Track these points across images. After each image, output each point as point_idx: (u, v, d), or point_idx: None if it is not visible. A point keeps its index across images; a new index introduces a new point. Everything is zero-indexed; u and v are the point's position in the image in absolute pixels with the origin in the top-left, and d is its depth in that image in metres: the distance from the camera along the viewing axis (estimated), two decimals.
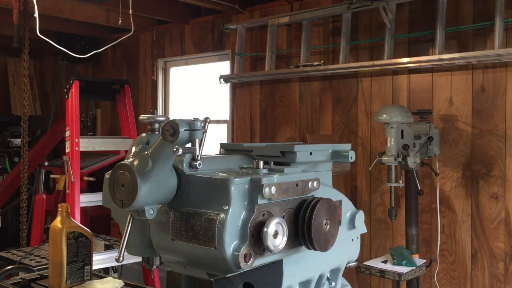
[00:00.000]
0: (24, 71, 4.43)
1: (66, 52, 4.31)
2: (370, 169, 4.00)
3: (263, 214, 1.33)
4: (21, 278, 1.90)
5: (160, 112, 5.75)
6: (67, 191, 3.71)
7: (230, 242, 1.27)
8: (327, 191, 1.62)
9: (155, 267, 1.57)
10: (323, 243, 1.45)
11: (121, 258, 1.37)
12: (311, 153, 1.64)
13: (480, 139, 3.59)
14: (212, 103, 5.44)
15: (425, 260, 3.48)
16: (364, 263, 3.40)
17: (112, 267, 3.97)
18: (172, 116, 5.61)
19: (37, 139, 6.13)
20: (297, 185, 1.41)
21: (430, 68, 3.75)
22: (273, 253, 1.34)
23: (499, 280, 3.52)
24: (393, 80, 4.01)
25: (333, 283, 1.71)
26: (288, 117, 4.64)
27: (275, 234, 1.32)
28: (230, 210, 1.28)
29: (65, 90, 3.98)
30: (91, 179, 4.44)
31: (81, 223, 2.07)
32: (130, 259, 2.81)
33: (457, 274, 3.70)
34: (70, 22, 5.42)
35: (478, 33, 3.58)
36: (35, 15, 3.68)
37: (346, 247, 1.73)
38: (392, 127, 3.27)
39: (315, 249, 1.42)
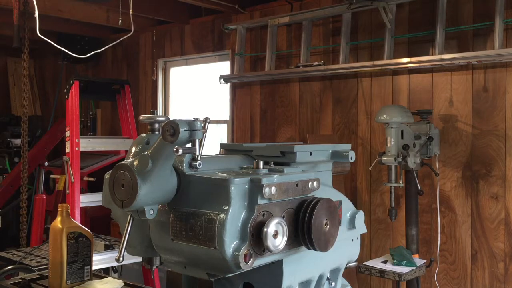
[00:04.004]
0: (24, 71, 4.43)
1: (66, 52, 4.31)
2: (370, 169, 4.00)
3: (263, 214, 1.33)
4: (21, 278, 1.90)
5: (160, 112, 5.75)
6: (67, 191, 3.71)
7: (230, 242, 1.27)
8: (327, 191, 1.62)
9: (155, 267, 1.56)
10: (323, 243, 1.45)
11: (121, 258, 1.37)
12: (311, 153, 1.64)
13: (480, 139, 3.59)
14: (212, 103, 5.44)
15: (425, 260, 3.48)
16: (364, 263, 3.40)
17: (112, 267, 3.97)
18: (172, 116, 5.61)
19: (37, 139, 6.12)
20: (297, 185, 1.41)
21: (430, 68, 3.75)
22: (273, 253, 1.34)
23: (499, 280, 3.52)
24: (393, 80, 4.01)
25: (333, 283, 1.71)
26: (288, 117, 4.64)
27: (275, 234, 1.32)
28: (230, 210, 1.28)
29: (65, 90, 3.98)
30: (91, 179, 4.44)
31: (81, 223, 2.07)
32: (130, 259, 2.81)
33: (457, 274, 3.70)
34: (70, 22, 5.42)
35: (478, 33, 3.58)
36: (35, 15, 3.68)
37: (346, 247, 1.73)
38: (392, 127, 3.27)
39: (315, 249, 1.42)
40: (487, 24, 3.49)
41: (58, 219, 1.79)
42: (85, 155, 4.30)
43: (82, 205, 3.80)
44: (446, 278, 3.75)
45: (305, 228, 1.40)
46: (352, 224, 1.74)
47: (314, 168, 1.65)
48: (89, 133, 6.32)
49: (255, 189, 1.31)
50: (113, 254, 3.71)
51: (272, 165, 1.50)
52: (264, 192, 1.30)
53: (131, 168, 1.29)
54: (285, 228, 1.34)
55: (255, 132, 4.89)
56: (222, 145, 1.76)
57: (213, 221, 1.28)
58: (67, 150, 3.82)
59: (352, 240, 1.77)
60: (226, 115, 5.18)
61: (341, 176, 4.05)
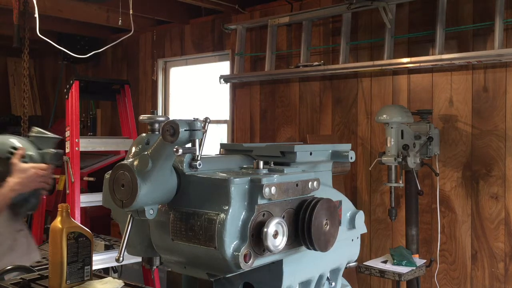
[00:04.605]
0: (24, 71, 4.44)
1: (66, 52, 4.31)
2: (370, 169, 4.00)
3: (263, 214, 1.33)
4: (21, 278, 1.90)
5: (160, 112, 5.76)
6: (67, 191, 3.71)
7: (230, 242, 1.27)
8: (327, 191, 1.62)
9: (155, 267, 1.56)
10: (323, 243, 1.44)
11: (121, 258, 1.37)
12: (311, 153, 1.64)
13: (480, 139, 3.59)
14: (212, 103, 5.44)
15: (425, 260, 3.48)
16: (364, 263, 3.40)
17: (112, 267, 3.97)
18: (172, 116, 5.61)
19: None
20: (297, 185, 1.41)
21: (430, 68, 3.75)
22: (273, 253, 1.34)
23: (499, 280, 3.51)
24: (393, 80, 4.01)
25: (333, 283, 1.71)
26: (288, 117, 4.64)
27: (275, 234, 1.32)
28: (230, 210, 1.27)
29: (65, 90, 3.98)
30: (91, 179, 4.43)
31: (81, 223, 2.06)
32: (130, 259, 2.81)
33: (457, 274, 3.70)
34: (70, 22, 5.43)
35: (478, 33, 3.58)
36: (35, 15, 3.68)
37: (346, 247, 1.72)
38: (392, 127, 3.27)
39: (315, 249, 1.42)
40: (487, 24, 3.49)
41: (58, 219, 1.79)
42: (85, 155, 4.30)
43: (82, 205, 3.80)
44: (446, 278, 3.75)
45: (305, 228, 1.40)
46: (352, 224, 1.74)
47: (314, 168, 1.65)
48: (89, 133, 6.32)
49: (255, 189, 1.31)
50: (113, 254, 3.71)
51: (272, 165, 1.50)
52: (264, 192, 1.30)
53: (131, 168, 1.28)
54: (285, 228, 1.34)
55: (255, 132, 4.89)
56: (222, 145, 1.75)
57: (213, 221, 1.28)
58: (67, 150, 3.82)
59: (352, 240, 1.76)
60: (226, 115, 5.18)
61: (341, 176, 4.05)
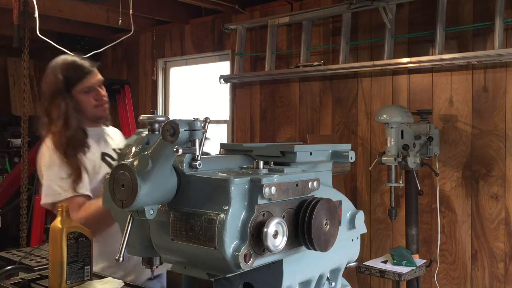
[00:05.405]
0: (24, 71, 4.43)
1: (66, 52, 4.31)
2: (370, 169, 4.00)
3: (263, 214, 1.33)
4: (21, 278, 1.90)
5: (160, 112, 5.76)
6: None
7: (230, 242, 1.27)
8: (327, 191, 1.62)
9: (155, 267, 1.56)
10: (323, 243, 1.44)
11: (121, 258, 1.37)
12: (311, 153, 1.64)
13: (480, 139, 3.59)
14: (212, 103, 5.44)
15: (425, 260, 3.48)
16: (364, 263, 3.40)
17: None
18: (172, 116, 5.61)
19: (37, 139, 6.11)
20: (297, 185, 1.40)
21: (430, 68, 3.75)
22: (273, 253, 1.34)
23: (499, 280, 3.52)
24: (393, 80, 4.01)
25: (333, 283, 1.71)
26: (288, 117, 4.64)
27: (275, 234, 1.32)
28: (230, 210, 1.27)
29: None
30: None
31: None
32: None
33: (457, 274, 3.70)
34: (70, 22, 5.43)
35: (478, 33, 3.58)
36: (35, 15, 3.68)
37: (346, 247, 1.72)
38: (392, 127, 3.27)
39: (315, 249, 1.42)
40: (487, 24, 3.49)
41: (58, 219, 1.79)
42: None
43: None
44: (446, 278, 3.75)
45: (305, 228, 1.40)
46: (352, 224, 1.74)
47: (314, 168, 1.65)
48: None
49: (255, 189, 1.31)
50: None
51: (272, 165, 1.50)
52: (264, 192, 1.30)
53: (131, 168, 1.28)
54: (285, 228, 1.34)
55: (255, 132, 4.89)
56: (222, 145, 1.75)
57: (213, 221, 1.28)
58: None
59: (352, 240, 1.76)
60: (226, 115, 5.18)
61: (341, 176, 4.05)
